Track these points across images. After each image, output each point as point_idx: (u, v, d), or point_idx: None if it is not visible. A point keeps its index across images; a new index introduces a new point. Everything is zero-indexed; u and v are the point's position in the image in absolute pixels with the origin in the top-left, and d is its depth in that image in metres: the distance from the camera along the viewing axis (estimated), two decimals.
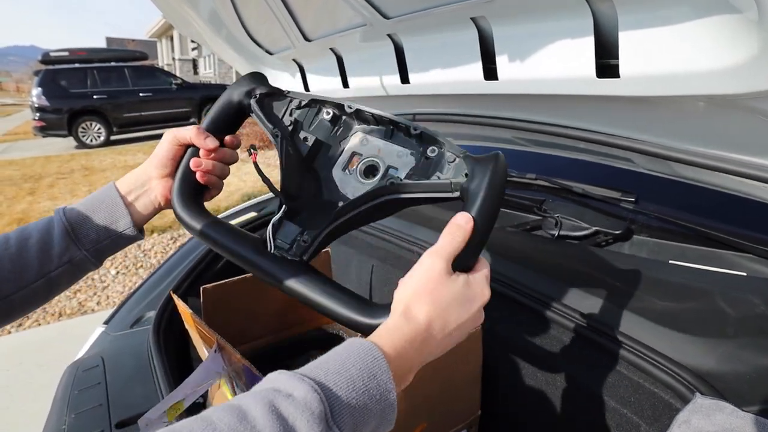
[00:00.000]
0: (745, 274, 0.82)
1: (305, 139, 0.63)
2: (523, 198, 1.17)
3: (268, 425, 0.32)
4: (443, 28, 0.89)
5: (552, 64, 0.72)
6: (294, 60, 1.41)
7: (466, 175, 0.51)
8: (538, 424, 0.84)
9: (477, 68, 0.86)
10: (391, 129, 0.59)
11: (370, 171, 0.60)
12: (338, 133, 0.63)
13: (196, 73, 18.73)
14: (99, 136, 9.43)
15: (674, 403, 0.66)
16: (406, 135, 0.58)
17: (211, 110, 0.67)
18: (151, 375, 1.01)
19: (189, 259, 1.34)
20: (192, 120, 10.35)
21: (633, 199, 1.00)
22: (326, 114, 0.63)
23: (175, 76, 10.54)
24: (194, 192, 0.65)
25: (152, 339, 1.09)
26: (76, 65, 9.26)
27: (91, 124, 9.32)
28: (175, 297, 0.90)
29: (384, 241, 1.23)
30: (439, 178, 0.53)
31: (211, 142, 0.64)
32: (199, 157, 0.64)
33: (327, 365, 0.38)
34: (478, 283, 0.49)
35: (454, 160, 0.53)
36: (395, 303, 0.47)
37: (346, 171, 0.61)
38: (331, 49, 1.24)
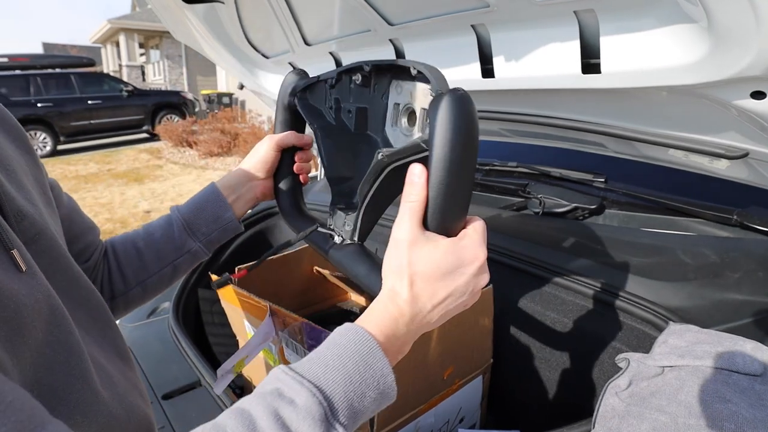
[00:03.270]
0: (696, 234, 1.01)
1: (349, 111, 0.63)
2: (509, 183, 1.32)
3: None
4: (444, 33, 1.02)
5: (543, 63, 0.87)
6: (290, 63, 1.51)
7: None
8: (542, 365, 0.99)
9: (475, 68, 1.00)
10: (410, 69, 0.52)
11: (412, 118, 0.56)
12: (376, 91, 0.61)
13: (144, 79, 18.10)
14: (45, 146, 8.98)
15: (653, 333, 0.82)
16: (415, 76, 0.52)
17: (276, 119, 0.74)
18: (181, 355, 1.08)
19: None
20: (145, 127, 10.04)
21: (603, 179, 1.18)
22: (356, 79, 0.61)
23: (125, 83, 10.20)
24: (298, 198, 0.74)
25: (175, 325, 1.16)
26: (17, 72, 8.80)
27: (35, 134, 8.86)
28: (213, 276, 0.98)
29: (386, 228, 1.35)
30: None
31: (308, 138, 0.73)
32: (295, 162, 0.74)
33: (325, 361, 0.41)
34: (466, 246, 0.45)
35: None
36: (383, 280, 0.47)
37: (394, 126, 0.59)
38: (331, 52, 1.35)
